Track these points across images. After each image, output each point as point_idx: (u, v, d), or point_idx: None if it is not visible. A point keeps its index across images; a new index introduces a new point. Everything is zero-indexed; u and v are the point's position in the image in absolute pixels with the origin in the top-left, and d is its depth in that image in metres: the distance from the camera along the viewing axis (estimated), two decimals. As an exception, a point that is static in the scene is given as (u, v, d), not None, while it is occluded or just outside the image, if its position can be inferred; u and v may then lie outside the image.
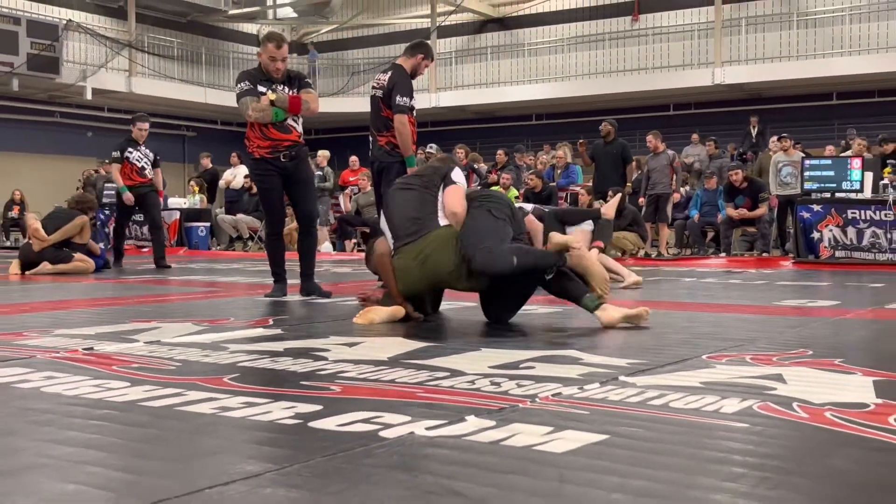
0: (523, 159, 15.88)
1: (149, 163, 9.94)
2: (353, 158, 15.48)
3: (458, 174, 4.39)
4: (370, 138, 6.49)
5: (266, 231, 6.03)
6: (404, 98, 6.23)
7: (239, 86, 5.60)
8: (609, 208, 6.97)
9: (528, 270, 3.99)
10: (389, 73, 6.36)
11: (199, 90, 23.68)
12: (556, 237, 4.23)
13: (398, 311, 4.22)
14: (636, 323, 3.94)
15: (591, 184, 13.41)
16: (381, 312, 4.19)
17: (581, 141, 12.65)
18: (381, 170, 6.44)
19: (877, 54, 19.56)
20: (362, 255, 13.13)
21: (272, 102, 5.46)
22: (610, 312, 3.94)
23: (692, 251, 12.56)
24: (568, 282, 3.99)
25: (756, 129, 16.69)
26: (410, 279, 4.19)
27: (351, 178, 14.88)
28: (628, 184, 12.10)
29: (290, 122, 5.58)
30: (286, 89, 5.60)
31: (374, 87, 6.47)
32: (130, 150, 9.87)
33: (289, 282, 5.87)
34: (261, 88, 5.53)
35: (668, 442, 1.92)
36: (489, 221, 4.11)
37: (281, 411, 2.20)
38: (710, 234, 12.53)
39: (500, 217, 4.14)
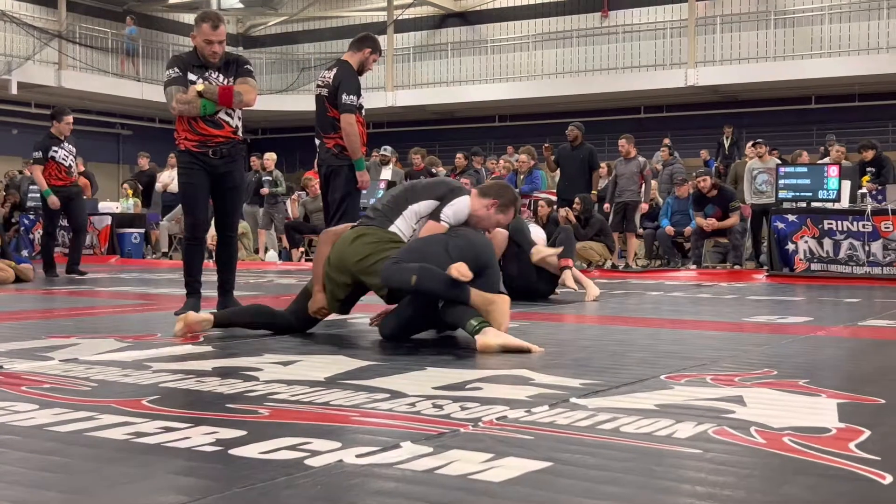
0: (484, 163, 15.93)
1: (74, 160, 9.82)
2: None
3: (455, 206, 4.37)
4: (317, 141, 6.46)
5: (185, 234, 5.75)
6: (351, 96, 6.21)
7: (167, 73, 5.45)
8: (539, 253, 6.72)
9: (430, 295, 3.91)
10: (335, 69, 6.35)
11: (135, 85, 23.48)
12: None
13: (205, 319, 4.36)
14: (518, 350, 3.75)
15: (553, 191, 13.50)
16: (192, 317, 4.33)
17: (546, 145, 12.70)
18: (329, 174, 6.42)
19: (857, 56, 19.94)
20: (310, 264, 13.15)
21: (200, 94, 5.29)
22: (489, 337, 3.74)
23: (661, 263, 12.66)
24: (456, 307, 3.89)
25: (730, 140, 16.85)
26: (335, 253, 4.33)
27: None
28: (594, 191, 12.17)
29: (221, 115, 5.41)
30: (221, 77, 5.44)
31: (318, 86, 6.45)
32: (55, 148, 9.74)
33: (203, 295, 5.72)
34: (191, 77, 5.37)
35: (614, 470, 1.92)
36: (429, 245, 4.09)
37: (200, 437, 2.17)
38: (687, 246, 12.64)
39: (447, 250, 4.02)
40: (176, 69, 5.40)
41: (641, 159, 12.15)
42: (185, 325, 4.29)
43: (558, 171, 12.52)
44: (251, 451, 2.04)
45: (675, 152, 15.99)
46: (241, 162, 5.65)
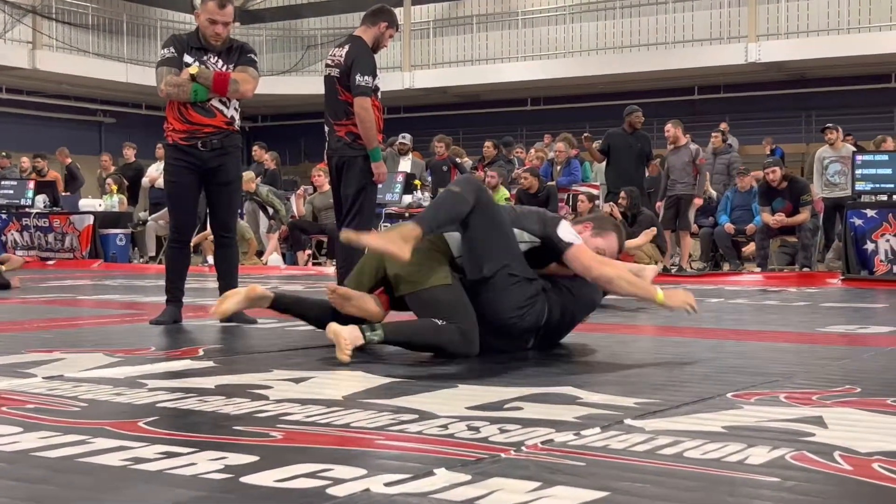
0: (516, 153, 15.94)
1: None
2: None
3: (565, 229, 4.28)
4: (326, 128, 6.49)
5: (169, 237, 5.87)
6: (366, 77, 6.23)
7: (161, 52, 5.57)
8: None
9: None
10: (347, 47, 6.37)
11: (120, 66, 23.63)
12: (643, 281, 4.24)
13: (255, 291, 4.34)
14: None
15: (599, 183, 13.49)
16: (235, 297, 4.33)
17: (586, 134, 12.68)
18: (342, 165, 6.44)
19: (944, 26, 19.76)
20: (318, 268, 13.21)
21: (193, 77, 5.38)
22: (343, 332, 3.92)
23: (707, 266, 12.58)
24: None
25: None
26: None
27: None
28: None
29: (214, 103, 5.49)
30: (220, 63, 5.53)
31: (328, 66, 6.47)
32: None
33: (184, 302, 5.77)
34: (188, 59, 5.46)
35: (680, 500, 1.92)
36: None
37: (207, 463, 2.18)
38: (745, 248, 12.58)
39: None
40: (171, 49, 5.49)
41: (693, 146, 12.10)
42: (245, 298, 4.32)
43: (604, 162, 12.50)
44: (265, 478, 2.05)
45: (731, 139, 15.85)
46: (237, 154, 5.73)
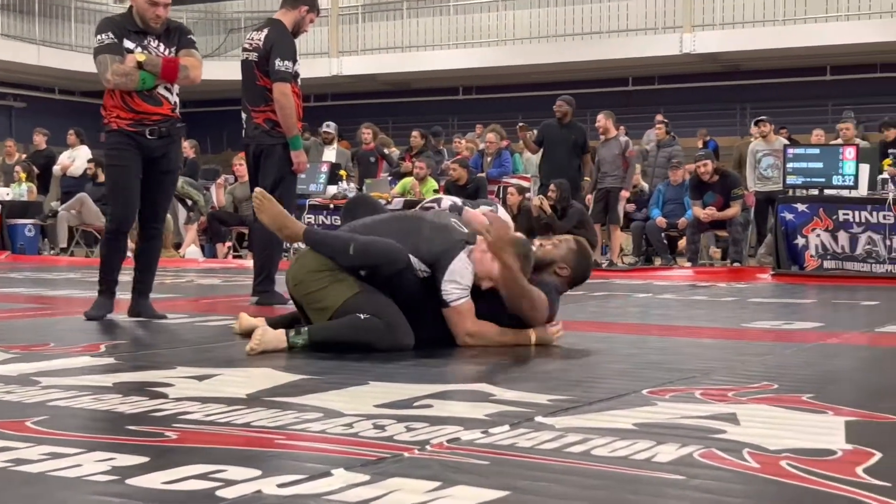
0: (444, 144, 15.95)
1: None
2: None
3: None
4: (243, 115, 6.44)
5: (107, 227, 5.71)
6: (286, 62, 6.19)
7: (99, 38, 5.41)
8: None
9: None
10: (266, 30, 6.33)
11: (31, 48, 23.16)
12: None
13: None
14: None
15: (530, 175, 13.55)
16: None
17: (521, 124, 12.70)
18: (259, 154, 6.40)
19: (880, 19, 20.14)
20: (238, 261, 13.08)
21: (140, 65, 5.29)
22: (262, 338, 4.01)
23: (638, 261, 12.69)
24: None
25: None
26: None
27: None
28: (586, 177, 12.21)
29: (160, 90, 5.42)
30: (162, 47, 5.43)
31: (246, 50, 6.41)
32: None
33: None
34: (128, 44, 5.35)
35: (581, 499, 1.94)
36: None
37: (93, 465, 2.15)
38: (680, 244, 12.69)
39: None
40: (110, 34, 5.36)
41: (623, 139, 12.16)
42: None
43: (539, 154, 12.53)
44: (153, 480, 2.03)
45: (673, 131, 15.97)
46: (180, 143, 5.66)
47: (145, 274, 5.65)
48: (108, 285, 5.56)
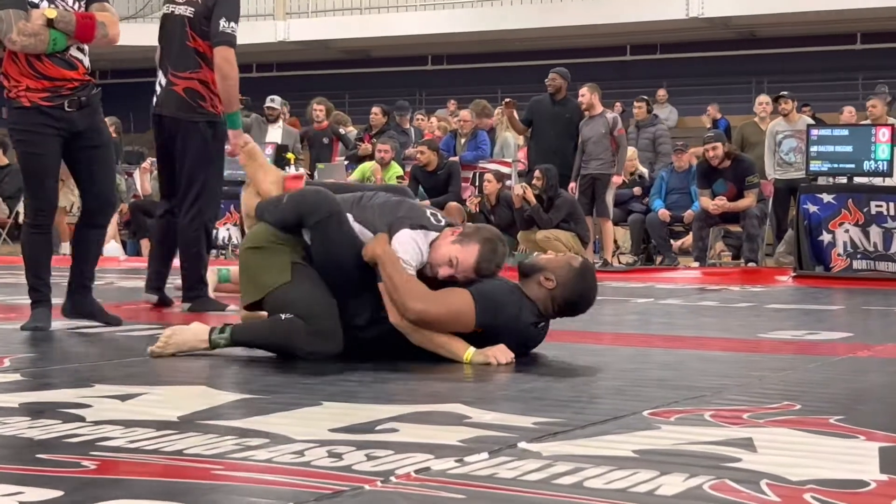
0: (410, 121, 15.92)
1: None
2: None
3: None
4: (160, 80, 6.34)
5: (29, 221, 5.63)
6: (231, 24, 6.17)
7: None
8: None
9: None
10: (206, -18, 6.26)
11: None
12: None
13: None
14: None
15: (507, 161, 13.54)
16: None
17: (507, 100, 12.67)
18: (174, 133, 6.31)
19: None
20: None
21: (50, 22, 5.22)
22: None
23: (637, 260, 12.72)
24: None
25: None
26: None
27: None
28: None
29: (73, 52, 5.36)
30: (71, 2, 5.37)
31: (174, 3, 6.33)
32: None
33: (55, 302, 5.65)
34: None
35: (573, 540, 1.94)
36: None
37: (-2, 500, 2.15)
38: (687, 237, 12.70)
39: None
40: None
41: (610, 115, 12.02)
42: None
43: (526, 135, 12.54)
44: (68, 518, 2.02)
45: (667, 108, 15.93)
46: (101, 112, 5.62)
47: (84, 268, 5.61)
48: (42, 292, 5.47)
